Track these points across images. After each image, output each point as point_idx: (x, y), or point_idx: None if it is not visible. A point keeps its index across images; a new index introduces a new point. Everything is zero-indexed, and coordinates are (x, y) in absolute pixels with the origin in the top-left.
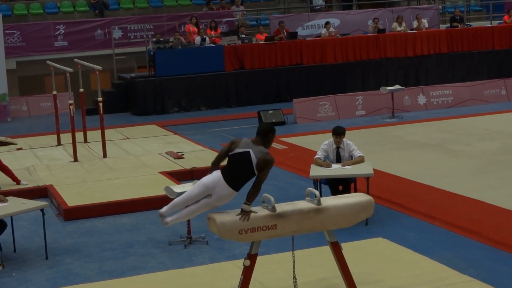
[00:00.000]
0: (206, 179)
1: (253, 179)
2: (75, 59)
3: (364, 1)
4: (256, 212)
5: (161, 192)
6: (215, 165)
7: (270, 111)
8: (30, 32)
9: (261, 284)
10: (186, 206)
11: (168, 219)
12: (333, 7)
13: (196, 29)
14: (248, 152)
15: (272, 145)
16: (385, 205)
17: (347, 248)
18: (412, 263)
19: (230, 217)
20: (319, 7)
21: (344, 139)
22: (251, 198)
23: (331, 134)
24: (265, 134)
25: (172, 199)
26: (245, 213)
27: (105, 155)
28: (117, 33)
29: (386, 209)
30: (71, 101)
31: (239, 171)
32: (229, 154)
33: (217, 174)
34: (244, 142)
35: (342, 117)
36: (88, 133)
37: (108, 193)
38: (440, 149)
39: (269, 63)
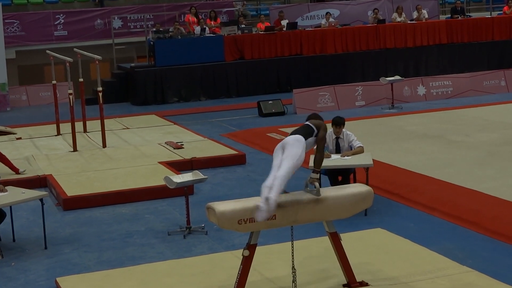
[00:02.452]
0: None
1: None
2: (75, 49)
3: None
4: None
5: (160, 182)
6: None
7: (270, 102)
8: (30, 22)
9: (260, 274)
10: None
11: (271, 195)
12: None
13: (195, 19)
14: (307, 123)
15: (272, 136)
16: (384, 195)
17: (346, 238)
18: (411, 253)
19: (229, 207)
20: None
21: (343, 130)
22: (317, 164)
23: (330, 124)
24: (315, 118)
25: (172, 189)
26: (313, 180)
27: (104, 145)
28: (117, 23)
29: (385, 200)
30: (70, 91)
31: (300, 129)
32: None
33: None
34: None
35: (342, 107)
36: (88, 123)
37: (107, 183)
38: (440, 140)
39: (269, 53)
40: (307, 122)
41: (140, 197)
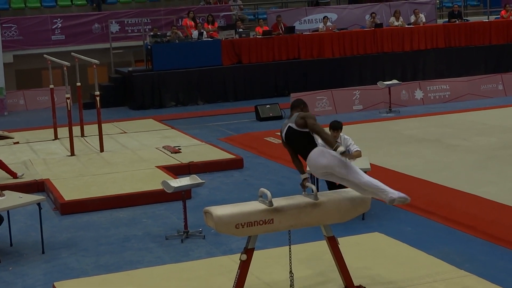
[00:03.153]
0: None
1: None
2: (72, 53)
3: None
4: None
5: (158, 186)
6: (300, 163)
7: (268, 106)
8: (27, 26)
9: (258, 278)
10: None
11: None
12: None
13: (193, 23)
14: (289, 126)
15: (269, 140)
16: (381, 199)
17: (344, 242)
18: (409, 257)
19: (227, 211)
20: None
21: (341, 134)
22: (331, 143)
23: (328, 128)
24: (296, 107)
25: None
26: (345, 154)
27: (102, 149)
28: (114, 27)
29: (383, 204)
30: (68, 95)
31: (299, 142)
32: (288, 144)
33: (316, 151)
34: (284, 124)
35: (339, 111)
36: (85, 127)
37: (105, 187)
38: (437, 144)
39: (267, 57)
40: (292, 125)
41: (137, 202)
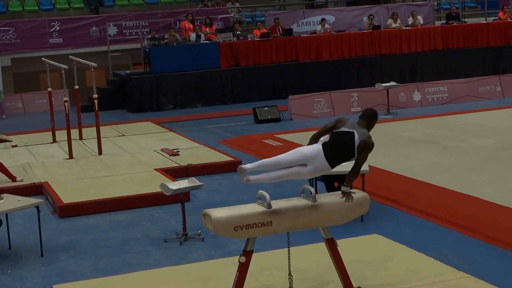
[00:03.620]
0: (306, 149)
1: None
2: (70, 56)
3: None
4: (354, 193)
5: (156, 189)
6: (316, 139)
7: (266, 108)
8: (25, 29)
9: (256, 280)
10: (275, 170)
11: (251, 177)
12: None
13: (192, 26)
14: (353, 133)
15: (267, 142)
16: (380, 201)
17: (342, 244)
18: (408, 259)
19: (225, 213)
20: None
21: None
22: (350, 180)
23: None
24: (370, 118)
25: (168, 196)
26: (347, 195)
27: (100, 152)
28: (112, 30)
29: (382, 206)
30: (66, 98)
31: (341, 150)
32: (334, 131)
33: (318, 146)
34: (350, 123)
35: (338, 113)
36: (84, 130)
37: (103, 190)
38: (436, 146)
39: (265, 60)
40: (356, 137)
41: (136, 204)
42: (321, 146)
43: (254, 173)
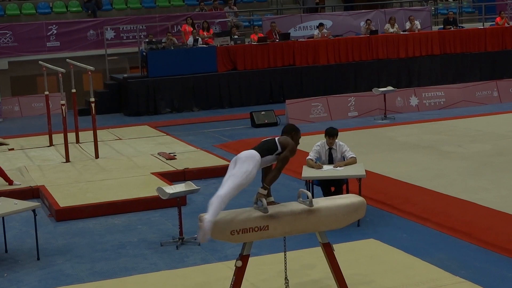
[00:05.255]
0: (245, 163)
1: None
2: (68, 60)
3: (357, 2)
4: (275, 203)
5: (153, 193)
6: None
7: (263, 112)
8: (23, 32)
9: (253, 285)
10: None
11: (206, 216)
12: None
13: (191, 29)
14: (273, 137)
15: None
16: (377, 206)
17: (339, 249)
18: (404, 264)
19: (222, 217)
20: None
21: (336, 140)
22: (268, 180)
23: (323, 135)
24: (289, 133)
25: (164, 200)
26: (259, 195)
27: (97, 156)
28: (109, 34)
29: (378, 210)
30: (63, 102)
31: (263, 144)
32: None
33: (252, 153)
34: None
35: (335, 118)
36: (80, 133)
37: (100, 193)
38: (432, 151)
39: (262, 64)
40: (276, 138)
41: (132, 208)
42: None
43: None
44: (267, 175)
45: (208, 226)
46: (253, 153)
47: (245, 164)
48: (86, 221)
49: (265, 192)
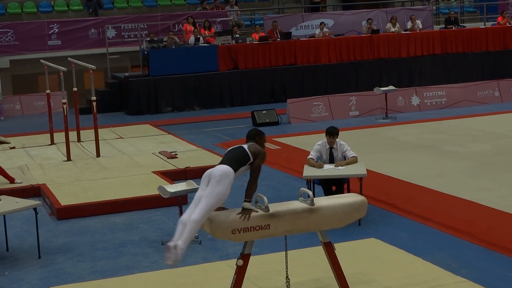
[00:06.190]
0: (216, 178)
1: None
2: (69, 58)
3: (359, 1)
4: (257, 211)
5: (154, 191)
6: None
7: (264, 111)
8: (24, 31)
9: (254, 284)
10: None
11: (179, 243)
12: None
13: (193, 28)
14: (240, 146)
15: (265, 145)
16: (378, 205)
17: (340, 248)
18: (405, 263)
19: (223, 217)
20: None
21: (337, 140)
22: (249, 193)
23: (324, 134)
24: (252, 138)
25: (165, 199)
26: (246, 211)
27: (98, 155)
28: (111, 32)
29: (379, 210)
30: (64, 100)
31: (234, 155)
32: (225, 155)
33: (225, 169)
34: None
35: (336, 117)
36: (82, 132)
37: (101, 192)
38: (433, 150)
39: (263, 63)
40: (245, 146)
41: (134, 207)
42: (226, 166)
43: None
44: (246, 189)
45: (181, 253)
46: (227, 170)
47: (219, 185)
48: (87, 219)
49: (249, 204)
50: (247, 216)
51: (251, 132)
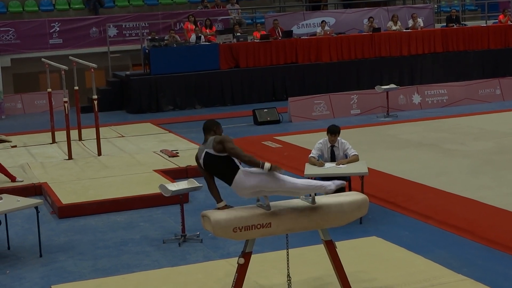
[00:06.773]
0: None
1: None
2: (70, 57)
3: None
4: (228, 206)
5: (155, 190)
6: (216, 197)
7: (265, 110)
8: (25, 30)
9: (255, 282)
10: None
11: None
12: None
13: (194, 27)
14: (206, 152)
15: (267, 144)
16: (379, 204)
17: (341, 246)
18: (406, 262)
19: (224, 215)
20: None
21: (338, 138)
22: (254, 161)
23: (326, 133)
24: (209, 130)
25: (167, 197)
26: (274, 168)
27: (99, 153)
28: (112, 31)
29: (381, 208)
30: (65, 99)
31: (220, 168)
32: (202, 169)
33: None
34: (200, 150)
35: (337, 116)
36: (83, 131)
37: (102, 191)
38: (435, 149)
39: (264, 61)
40: (211, 151)
41: (135, 205)
42: (239, 173)
43: None
44: (250, 164)
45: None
46: (240, 180)
47: (264, 181)
48: (88, 218)
49: (268, 164)
50: (280, 168)
51: (206, 125)
